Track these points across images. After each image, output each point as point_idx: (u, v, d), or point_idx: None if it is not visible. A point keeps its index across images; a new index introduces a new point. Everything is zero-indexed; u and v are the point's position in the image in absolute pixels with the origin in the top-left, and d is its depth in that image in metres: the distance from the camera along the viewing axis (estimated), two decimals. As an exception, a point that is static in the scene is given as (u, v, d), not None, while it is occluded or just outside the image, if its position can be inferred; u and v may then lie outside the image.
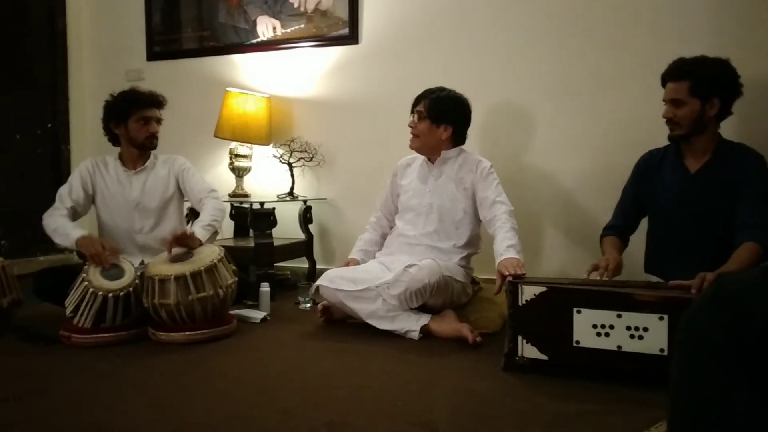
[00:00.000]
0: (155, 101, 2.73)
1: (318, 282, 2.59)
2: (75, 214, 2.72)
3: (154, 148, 2.78)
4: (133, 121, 2.69)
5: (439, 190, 2.68)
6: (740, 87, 2.23)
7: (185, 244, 2.49)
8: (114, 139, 2.79)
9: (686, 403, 0.87)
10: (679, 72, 2.24)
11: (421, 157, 2.77)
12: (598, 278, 2.19)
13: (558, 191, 3.09)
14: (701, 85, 2.19)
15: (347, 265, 2.73)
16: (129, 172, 2.77)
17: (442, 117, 2.63)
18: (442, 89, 2.69)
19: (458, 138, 2.69)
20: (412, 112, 2.69)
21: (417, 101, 2.69)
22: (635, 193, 2.47)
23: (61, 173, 4.01)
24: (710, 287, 0.88)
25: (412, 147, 2.70)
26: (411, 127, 2.68)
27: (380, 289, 2.43)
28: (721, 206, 2.22)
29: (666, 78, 2.28)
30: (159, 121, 2.76)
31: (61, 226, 2.59)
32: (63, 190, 2.73)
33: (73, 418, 1.64)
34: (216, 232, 2.73)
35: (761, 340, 0.76)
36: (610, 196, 2.62)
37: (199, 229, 2.57)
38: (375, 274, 2.51)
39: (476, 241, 2.72)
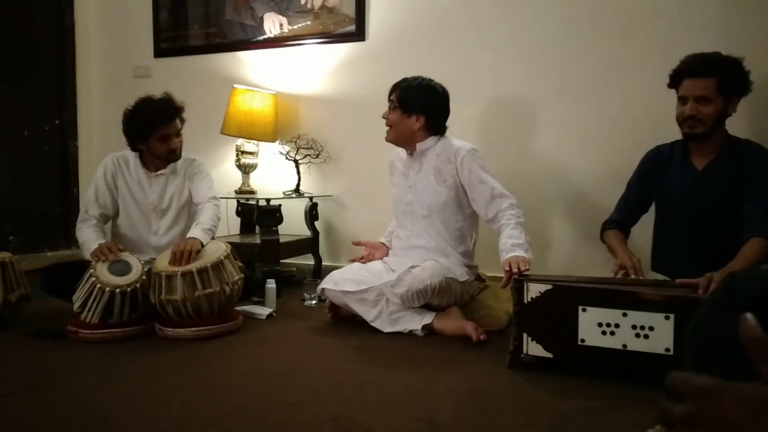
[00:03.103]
0: (173, 114, 2.67)
1: (322, 285, 2.60)
2: (105, 219, 2.73)
3: (178, 159, 2.76)
4: (153, 140, 2.65)
5: (419, 185, 2.62)
6: (751, 85, 2.22)
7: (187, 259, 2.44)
8: (135, 149, 2.74)
9: None
10: (704, 69, 2.17)
11: (405, 152, 2.71)
12: (633, 277, 2.15)
13: (564, 188, 3.08)
14: (727, 83, 2.15)
15: (373, 244, 2.78)
16: (149, 174, 2.76)
17: (414, 107, 2.56)
18: (415, 78, 2.61)
19: (433, 128, 2.60)
20: (388, 101, 2.64)
21: (391, 91, 2.63)
22: (640, 188, 2.46)
23: (69, 170, 4.04)
24: (722, 285, 0.89)
25: (387, 139, 2.66)
26: (384, 118, 2.63)
27: (383, 287, 2.43)
28: (728, 204, 2.21)
29: (685, 74, 2.21)
30: (179, 131, 2.71)
31: (86, 240, 2.61)
32: (89, 198, 2.74)
33: (79, 413, 1.65)
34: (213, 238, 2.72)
35: None
36: (617, 193, 2.60)
37: (200, 232, 2.56)
38: (378, 275, 2.51)
39: (469, 232, 2.64)
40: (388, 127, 2.63)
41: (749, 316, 0.61)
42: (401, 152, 2.75)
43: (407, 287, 2.36)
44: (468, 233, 2.64)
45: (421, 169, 2.63)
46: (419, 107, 2.57)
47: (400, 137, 2.63)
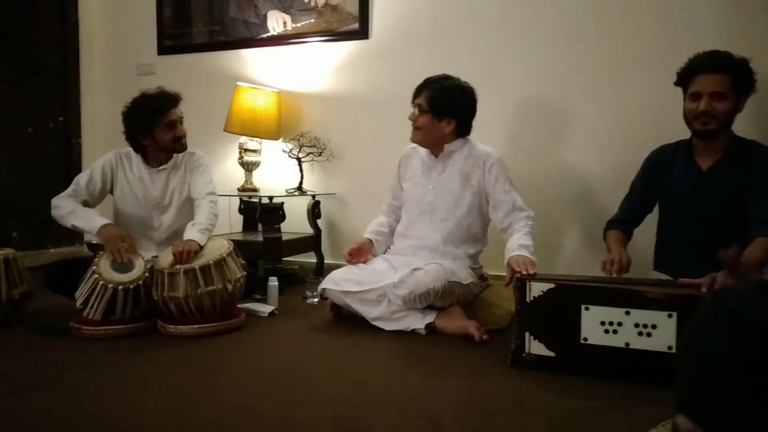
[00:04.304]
0: (174, 101, 2.67)
1: (323, 284, 2.58)
2: (86, 206, 2.70)
3: (185, 149, 2.74)
4: (159, 129, 2.63)
5: (443, 187, 2.58)
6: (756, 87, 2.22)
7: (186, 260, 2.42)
8: (138, 147, 2.72)
9: (690, 404, 0.91)
10: (720, 65, 2.18)
11: (424, 149, 2.66)
12: (613, 273, 2.17)
13: (569, 188, 3.07)
14: (740, 81, 2.16)
15: (359, 248, 2.65)
16: (152, 170, 2.74)
17: (445, 110, 2.49)
18: (445, 78, 2.53)
19: (462, 130, 2.56)
20: (413, 103, 2.57)
21: (417, 92, 2.55)
22: (644, 188, 2.45)
23: (72, 167, 4.05)
24: (709, 299, 0.93)
25: (414, 140, 2.60)
26: (411, 120, 2.57)
27: (385, 288, 2.42)
28: (732, 204, 2.20)
29: (699, 70, 2.21)
30: (182, 119, 2.71)
31: (79, 209, 2.60)
32: (81, 180, 2.70)
33: (81, 409, 1.65)
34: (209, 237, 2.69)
35: (754, 343, 0.80)
36: (622, 192, 2.60)
37: (197, 233, 2.52)
38: (380, 275, 2.50)
39: (482, 238, 2.65)
40: (414, 129, 2.56)
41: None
42: (419, 147, 2.68)
43: (410, 290, 2.35)
44: (481, 239, 2.65)
45: (445, 170, 2.59)
46: (451, 111, 2.50)
47: (428, 141, 2.57)
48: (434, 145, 2.60)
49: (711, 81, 2.18)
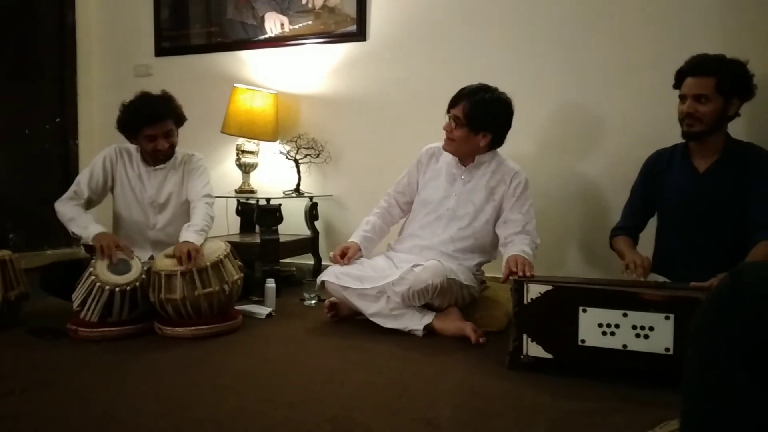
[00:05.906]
0: (161, 116, 2.62)
1: (323, 277, 2.55)
2: (89, 204, 2.71)
3: (168, 158, 2.73)
4: (141, 138, 2.64)
5: (466, 197, 2.56)
6: (755, 89, 2.22)
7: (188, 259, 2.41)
8: (132, 143, 2.75)
9: (701, 395, 0.86)
10: (704, 68, 2.20)
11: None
12: (640, 276, 2.16)
13: (565, 190, 3.07)
14: (726, 83, 2.17)
15: (344, 251, 2.60)
16: (149, 169, 2.75)
17: (482, 124, 2.44)
18: (484, 90, 2.46)
19: (496, 143, 2.54)
20: (448, 113, 2.50)
21: (454, 102, 2.48)
22: (643, 193, 2.46)
23: (69, 168, 4.04)
24: (726, 279, 0.86)
25: (446, 149, 2.55)
26: (446, 130, 2.51)
27: (385, 286, 2.42)
28: (730, 206, 2.21)
29: (687, 73, 2.24)
30: (170, 133, 2.67)
31: (79, 216, 2.60)
32: (82, 178, 2.71)
33: (79, 411, 1.65)
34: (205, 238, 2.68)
35: None
36: (619, 194, 2.61)
37: (192, 234, 2.52)
38: (382, 273, 2.49)
39: (492, 251, 2.64)
40: (448, 139, 2.51)
41: None
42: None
43: (408, 286, 2.35)
44: (491, 252, 2.65)
45: (471, 180, 2.57)
46: (488, 125, 2.46)
47: (461, 152, 2.54)
48: (467, 156, 2.57)
49: (695, 83, 2.21)
